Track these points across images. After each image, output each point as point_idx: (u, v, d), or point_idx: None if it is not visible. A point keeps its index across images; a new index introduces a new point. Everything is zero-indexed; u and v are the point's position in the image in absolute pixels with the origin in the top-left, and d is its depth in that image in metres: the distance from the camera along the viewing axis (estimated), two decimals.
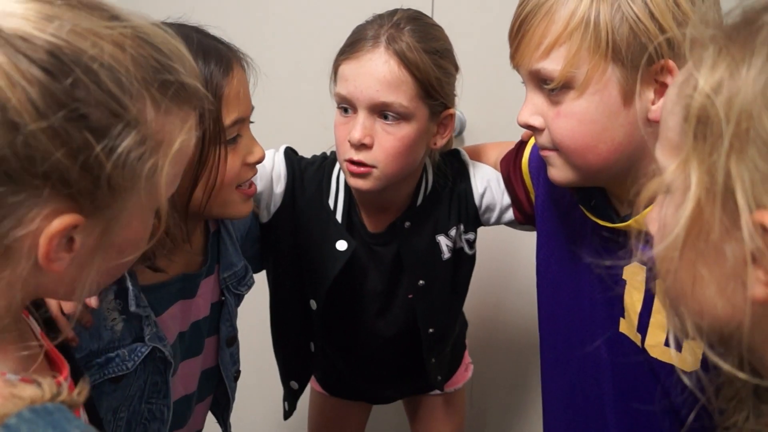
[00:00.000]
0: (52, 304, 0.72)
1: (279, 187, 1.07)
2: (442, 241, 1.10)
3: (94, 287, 0.56)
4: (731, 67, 0.47)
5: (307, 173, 1.10)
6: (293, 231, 1.09)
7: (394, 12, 1.00)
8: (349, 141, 0.98)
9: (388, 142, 0.98)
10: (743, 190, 0.45)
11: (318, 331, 1.13)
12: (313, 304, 1.11)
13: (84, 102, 0.48)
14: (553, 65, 0.74)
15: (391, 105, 0.96)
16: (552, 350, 0.98)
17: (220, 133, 0.81)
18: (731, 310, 0.49)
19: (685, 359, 0.76)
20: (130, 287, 0.82)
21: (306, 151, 1.15)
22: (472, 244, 1.14)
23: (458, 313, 1.23)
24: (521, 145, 1.04)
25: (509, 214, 1.11)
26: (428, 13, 1.44)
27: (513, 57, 0.80)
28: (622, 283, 0.81)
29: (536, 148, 0.96)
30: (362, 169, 0.99)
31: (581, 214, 0.86)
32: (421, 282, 1.10)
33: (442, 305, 1.15)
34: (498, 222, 1.14)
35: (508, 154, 1.07)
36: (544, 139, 0.80)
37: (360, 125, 0.97)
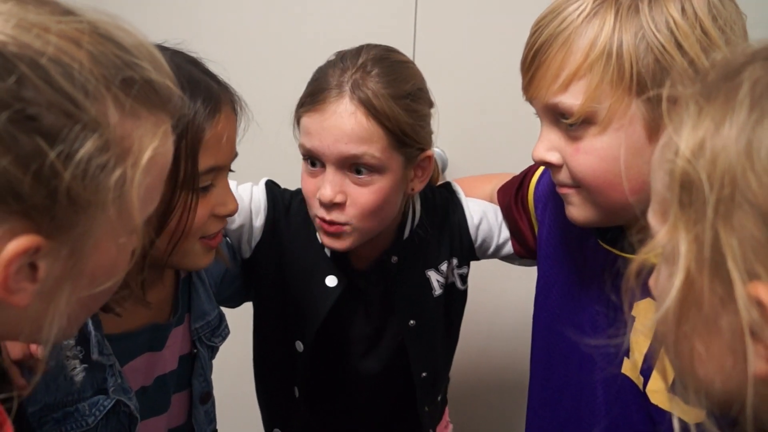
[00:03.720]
0: (4, 349, 0.66)
1: (258, 220, 1.02)
2: (433, 276, 1.05)
3: (64, 325, 0.49)
4: (712, 127, 0.44)
5: (293, 204, 1.04)
6: (277, 266, 1.03)
7: (359, 52, 0.93)
8: (319, 200, 0.91)
9: (362, 197, 0.91)
10: (734, 260, 0.42)
11: (303, 375, 1.06)
12: (299, 345, 1.03)
13: (32, 102, 0.42)
14: (572, 100, 0.69)
15: (361, 157, 0.89)
16: (544, 385, 0.92)
17: (194, 178, 0.74)
18: (732, 386, 0.46)
19: (690, 409, 0.71)
20: (93, 332, 0.76)
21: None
22: (464, 278, 1.09)
23: (452, 353, 1.17)
24: (525, 175, 1.00)
25: (508, 247, 1.06)
26: (409, 48, 1.42)
27: (526, 89, 0.75)
28: (631, 320, 0.76)
29: (545, 177, 0.93)
30: (335, 227, 0.92)
31: (594, 244, 0.82)
32: (412, 322, 1.04)
33: (435, 346, 1.09)
34: (495, 254, 1.09)
35: (509, 184, 1.03)
36: (562, 175, 0.76)
37: (329, 183, 0.90)
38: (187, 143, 0.72)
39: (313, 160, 0.92)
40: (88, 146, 0.44)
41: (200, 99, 0.74)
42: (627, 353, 0.78)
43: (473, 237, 1.06)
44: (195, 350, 0.93)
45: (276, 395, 1.11)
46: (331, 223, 0.92)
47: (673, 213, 0.46)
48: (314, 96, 0.90)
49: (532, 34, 0.73)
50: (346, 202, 0.91)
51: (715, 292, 0.44)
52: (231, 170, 0.84)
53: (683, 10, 0.66)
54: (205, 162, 0.75)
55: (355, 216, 0.92)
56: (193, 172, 0.73)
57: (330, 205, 0.91)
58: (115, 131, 0.46)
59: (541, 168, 0.96)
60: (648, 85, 0.66)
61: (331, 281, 1.00)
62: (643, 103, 0.67)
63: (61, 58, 0.44)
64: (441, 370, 1.13)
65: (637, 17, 0.66)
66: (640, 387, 0.76)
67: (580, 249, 0.86)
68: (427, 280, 1.04)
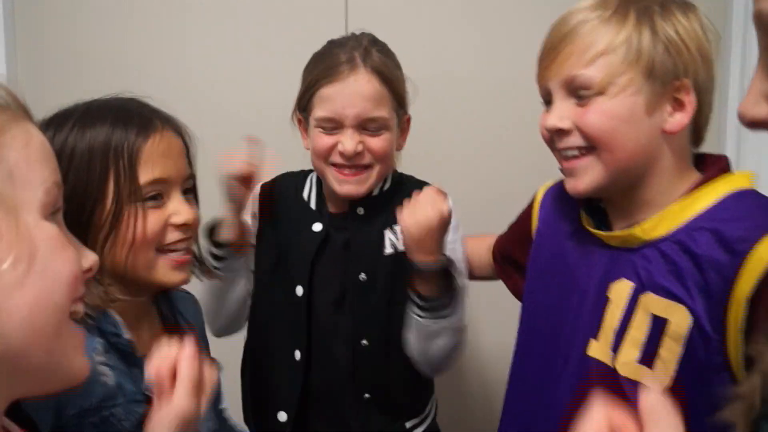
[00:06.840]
0: None
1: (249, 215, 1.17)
2: (388, 234, 1.15)
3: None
4: None
5: (285, 176, 1.23)
6: (273, 227, 1.19)
7: (355, 36, 1.14)
8: (341, 153, 1.09)
9: (377, 144, 1.10)
10: None
11: (305, 325, 1.14)
12: (299, 289, 1.14)
13: None
14: (594, 72, 0.83)
15: (376, 119, 1.09)
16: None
17: (137, 191, 0.82)
18: None
19: (656, 377, 0.80)
20: (114, 318, 0.80)
21: None
22: None
23: (395, 331, 1.14)
24: (527, 209, 1.10)
25: (449, 249, 1.13)
26: None
27: (548, 68, 0.87)
28: (604, 302, 0.88)
29: (552, 190, 1.05)
30: (356, 173, 1.10)
31: (580, 231, 0.93)
32: (362, 276, 1.13)
33: (378, 312, 1.14)
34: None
35: (509, 232, 1.15)
36: (573, 139, 0.86)
37: (350, 138, 1.08)
38: (124, 163, 0.82)
39: (330, 126, 1.10)
40: None
41: (133, 124, 0.84)
42: (595, 335, 0.89)
43: None
44: None
45: (279, 364, 1.16)
46: (354, 168, 1.10)
47: None
48: (331, 69, 1.09)
49: (558, 23, 0.87)
50: (363, 151, 1.10)
51: None
52: (190, 188, 0.90)
53: (687, 18, 0.85)
54: (147, 174, 0.83)
55: (376, 158, 1.11)
56: (134, 186, 0.82)
57: (352, 156, 1.09)
58: None
59: (545, 187, 1.08)
60: (656, 69, 0.82)
61: (317, 227, 1.16)
62: (648, 84, 0.82)
63: None
64: (383, 345, 1.15)
65: (651, 20, 0.85)
66: (610, 363, 0.85)
67: (575, 239, 0.95)
68: (382, 237, 1.16)
